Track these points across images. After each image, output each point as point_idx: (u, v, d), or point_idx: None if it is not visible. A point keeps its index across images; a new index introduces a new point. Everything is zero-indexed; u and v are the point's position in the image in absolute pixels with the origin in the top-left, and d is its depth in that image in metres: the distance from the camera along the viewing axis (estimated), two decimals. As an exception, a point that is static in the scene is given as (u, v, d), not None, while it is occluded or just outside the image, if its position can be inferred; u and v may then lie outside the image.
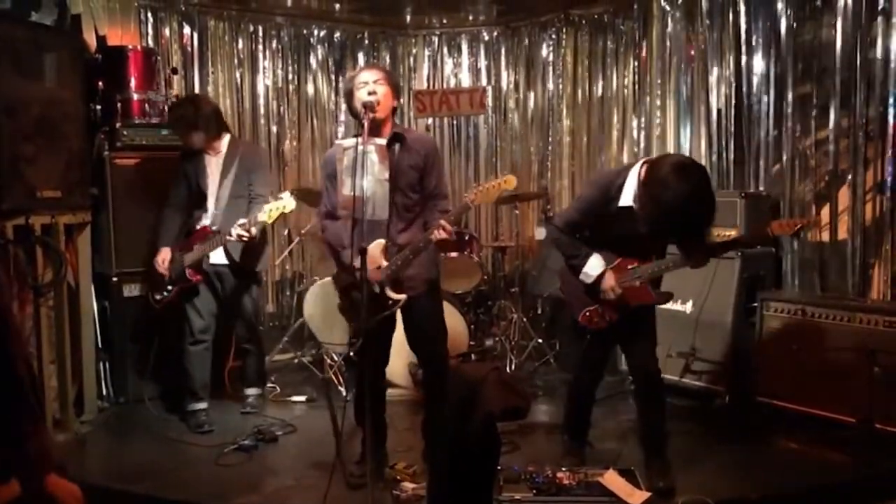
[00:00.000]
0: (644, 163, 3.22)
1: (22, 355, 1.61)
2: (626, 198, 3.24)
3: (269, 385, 5.08)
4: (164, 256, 4.34)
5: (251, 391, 4.73)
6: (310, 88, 6.44)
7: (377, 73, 3.36)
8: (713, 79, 5.27)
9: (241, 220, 4.02)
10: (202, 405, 4.43)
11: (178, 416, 4.47)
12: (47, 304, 4.18)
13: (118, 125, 4.71)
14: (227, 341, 4.77)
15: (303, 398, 4.86)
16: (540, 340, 5.44)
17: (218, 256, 4.30)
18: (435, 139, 6.60)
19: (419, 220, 3.45)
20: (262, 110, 6.23)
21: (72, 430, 4.25)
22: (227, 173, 4.33)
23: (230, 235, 4.05)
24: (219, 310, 4.50)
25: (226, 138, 4.44)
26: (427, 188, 3.43)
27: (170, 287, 4.34)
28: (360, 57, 6.52)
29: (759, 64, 4.98)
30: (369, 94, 3.27)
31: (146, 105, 4.84)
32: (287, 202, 3.93)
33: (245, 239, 4.05)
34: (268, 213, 3.93)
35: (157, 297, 4.38)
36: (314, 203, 4.62)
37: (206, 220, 4.33)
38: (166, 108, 4.96)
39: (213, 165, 4.37)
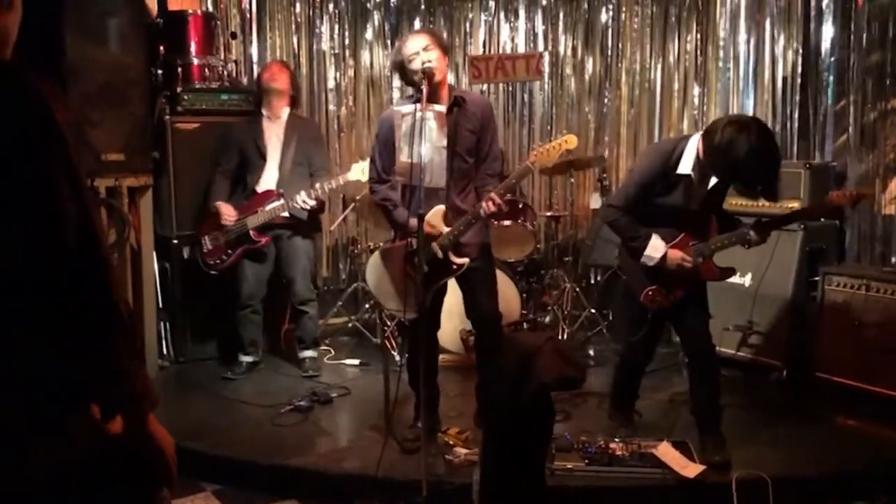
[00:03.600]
0: (703, 134, 3.19)
1: (119, 288, 1.54)
2: (685, 165, 3.24)
3: (324, 348, 5.17)
4: (227, 211, 4.43)
5: (307, 353, 4.76)
6: (365, 54, 6.42)
7: (425, 39, 3.33)
8: (779, 46, 5.11)
9: (308, 191, 4.28)
10: (249, 358, 4.66)
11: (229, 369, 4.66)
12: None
13: (179, 90, 4.77)
14: (283, 303, 4.88)
15: (356, 362, 4.93)
16: (593, 310, 5.40)
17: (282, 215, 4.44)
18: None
19: (472, 184, 3.46)
20: (318, 76, 6.24)
21: (134, 387, 4.39)
22: (290, 141, 4.47)
23: (296, 203, 4.28)
24: (272, 273, 4.62)
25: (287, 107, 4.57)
26: (482, 150, 3.43)
27: (230, 251, 4.46)
28: (417, 22, 6.46)
29: (828, 29, 4.80)
30: (425, 62, 3.25)
31: (206, 70, 4.90)
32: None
33: (311, 207, 4.33)
34: (360, 171, 4.25)
35: (215, 261, 4.49)
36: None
37: (268, 184, 4.45)
38: (225, 72, 5.02)
39: (274, 131, 4.49)
